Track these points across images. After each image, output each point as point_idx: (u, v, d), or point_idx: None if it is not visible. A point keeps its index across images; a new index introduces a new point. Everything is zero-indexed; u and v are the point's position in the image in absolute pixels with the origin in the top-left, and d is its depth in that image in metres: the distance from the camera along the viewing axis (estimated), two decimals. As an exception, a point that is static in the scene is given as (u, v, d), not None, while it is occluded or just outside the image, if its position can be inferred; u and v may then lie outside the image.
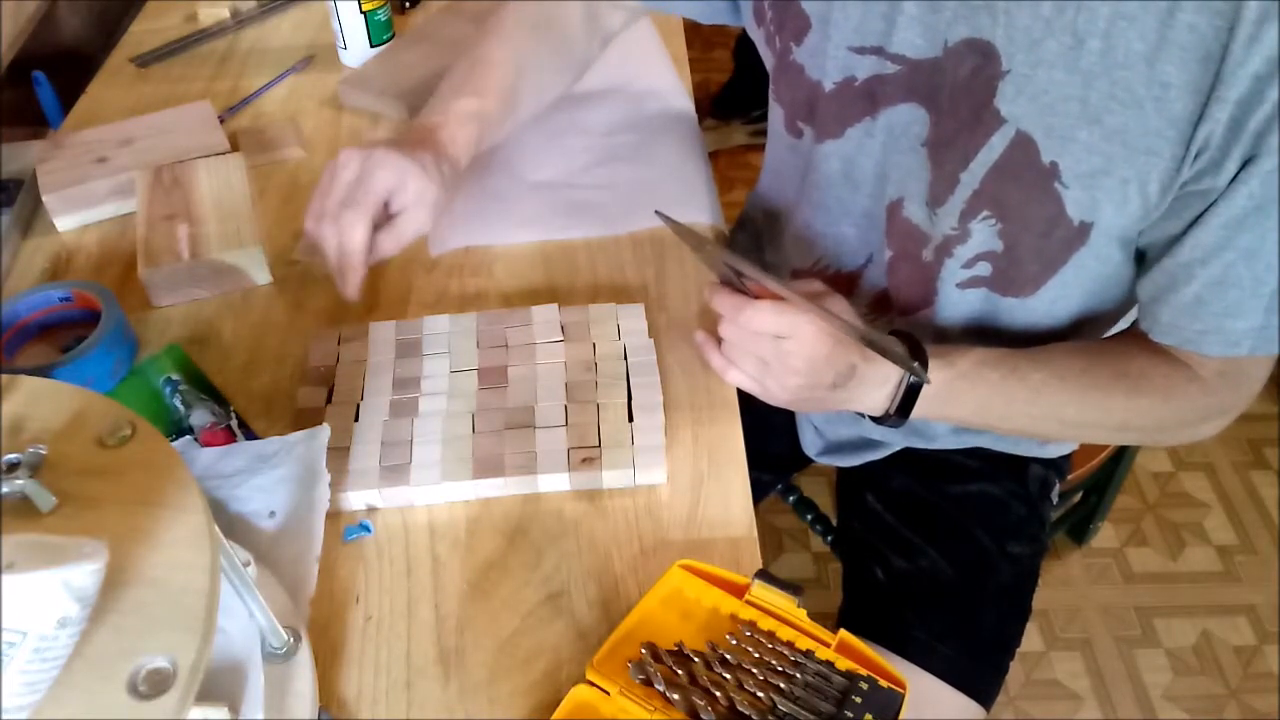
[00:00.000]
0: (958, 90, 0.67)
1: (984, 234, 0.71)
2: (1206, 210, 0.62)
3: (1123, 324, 0.80)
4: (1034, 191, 0.66)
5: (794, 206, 0.85)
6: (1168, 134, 0.60)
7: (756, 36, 0.82)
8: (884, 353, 0.63)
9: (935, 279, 0.76)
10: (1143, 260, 0.70)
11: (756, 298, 0.64)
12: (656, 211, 0.72)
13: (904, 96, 0.70)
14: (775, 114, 0.83)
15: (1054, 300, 0.74)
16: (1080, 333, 0.77)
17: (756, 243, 0.97)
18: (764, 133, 2.07)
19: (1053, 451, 0.93)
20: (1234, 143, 0.59)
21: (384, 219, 0.74)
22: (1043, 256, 0.70)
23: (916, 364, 0.67)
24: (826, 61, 0.72)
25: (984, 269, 0.74)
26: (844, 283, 0.84)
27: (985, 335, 0.77)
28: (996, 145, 0.66)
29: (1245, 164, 0.59)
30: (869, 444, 0.92)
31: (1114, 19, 0.59)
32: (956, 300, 0.77)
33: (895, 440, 0.90)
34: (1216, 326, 0.66)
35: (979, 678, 0.85)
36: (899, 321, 0.81)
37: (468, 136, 0.80)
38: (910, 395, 0.70)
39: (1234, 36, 0.56)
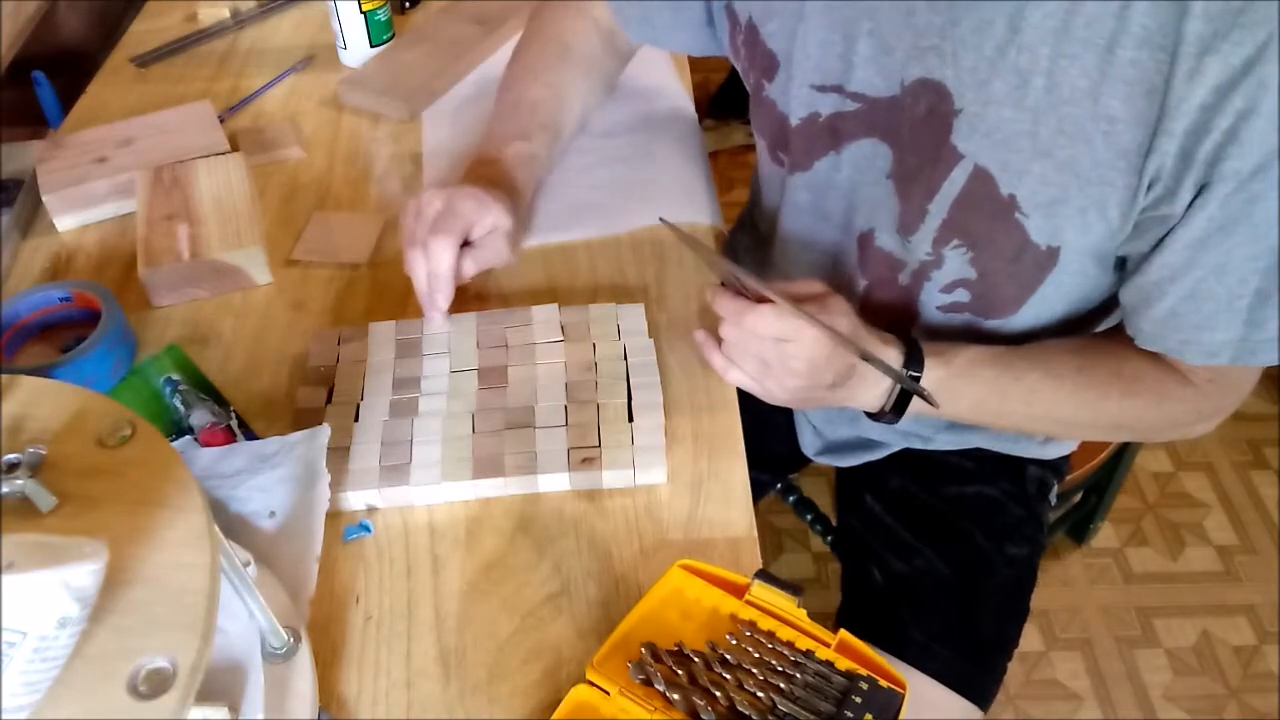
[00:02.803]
0: (917, 127, 0.68)
1: (957, 261, 0.72)
2: (1168, 234, 0.63)
3: (1118, 315, 0.80)
4: (997, 222, 0.67)
5: (774, 231, 0.86)
6: (1119, 165, 0.61)
7: (738, 68, 0.83)
8: (879, 367, 0.64)
9: (915, 302, 0.77)
10: (1124, 265, 0.70)
11: (757, 300, 0.65)
12: (660, 218, 0.73)
13: (865, 132, 0.71)
14: (760, 143, 0.84)
15: (1036, 315, 0.75)
16: (1069, 332, 0.77)
17: (754, 242, 0.98)
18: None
19: (1050, 453, 0.93)
20: (1186, 172, 0.59)
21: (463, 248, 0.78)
22: (1017, 280, 0.71)
23: (922, 388, 0.67)
24: (791, 99, 0.74)
25: (963, 295, 0.74)
26: None
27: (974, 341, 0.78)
28: (958, 179, 0.67)
29: (1200, 190, 0.59)
30: (867, 444, 0.92)
31: (1055, 58, 0.60)
32: (939, 322, 0.77)
33: (894, 440, 0.90)
34: (1194, 339, 0.66)
35: (976, 679, 0.85)
36: None
37: (526, 177, 0.85)
38: (906, 393, 0.70)
39: (1175, 70, 0.56)
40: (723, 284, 0.68)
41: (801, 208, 0.80)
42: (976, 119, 0.64)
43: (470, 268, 0.78)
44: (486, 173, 0.83)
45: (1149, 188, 0.61)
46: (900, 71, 0.67)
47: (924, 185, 0.69)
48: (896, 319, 0.79)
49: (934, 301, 0.76)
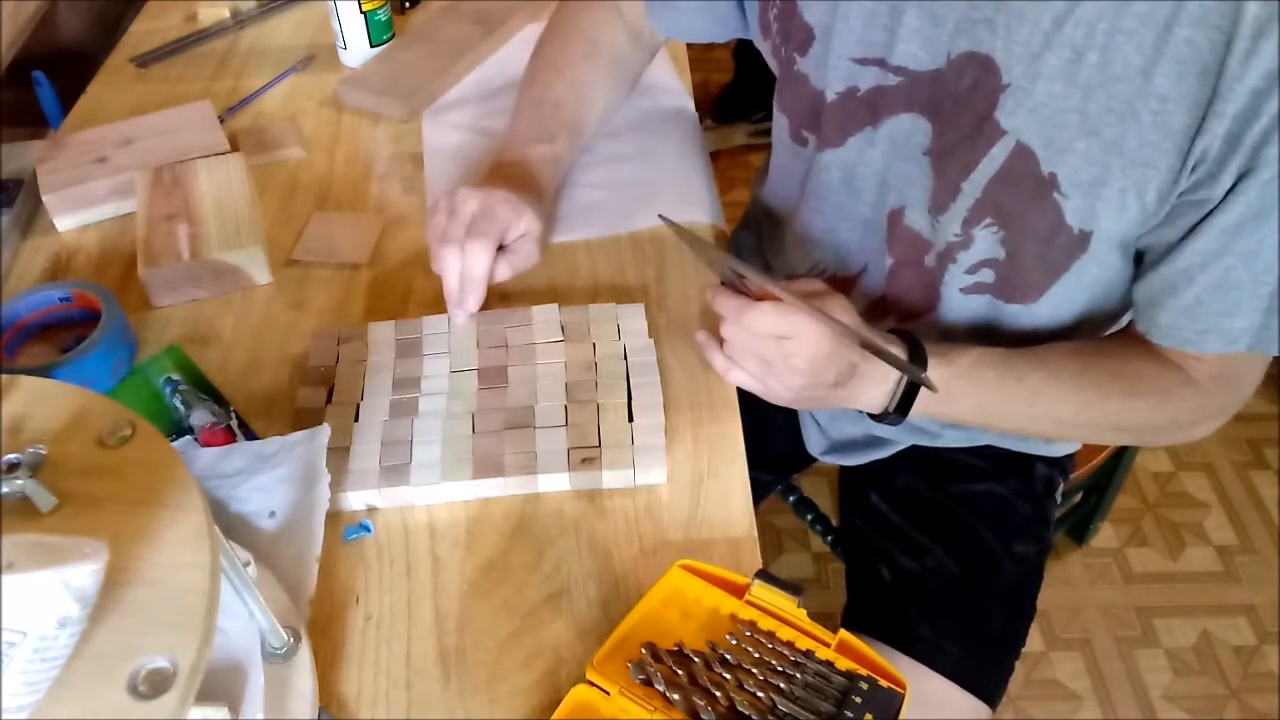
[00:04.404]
0: (959, 102, 0.67)
1: (987, 241, 0.71)
2: (1204, 219, 0.63)
3: (1122, 323, 0.80)
4: (1034, 201, 0.67)
5: (794, 211, 0.85)
6: (1164, 147, 0.61)
7: (763, 48, 0.83)
8: (883, 356, 0.64)
9: (938, 284, 0.76)
10: (1140, 261, 0.70)
11: (758, 299, 0.65)
12: (660, 215, 0.73)
13: (905, 107, 0.71)
14: (780, 122, 0.83)
15: (1057, 305, 0.74)
16: (1081, 334, 0.77)
17: (758, 242, 0.98)
18: (765, 133, 2.08)
19: (1057, 450, 0.93)
20: (1231, 156, 0.59)
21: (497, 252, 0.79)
22: (1045, 264, 0.71)
23: (924, 375, 0.67)
24: (829, 72, 0.73)
25: (987, 276, 0.74)
26: (840, 287, 0.84)
27: (988, 339, 0.77)
28: (997, 156, 0.67)
29: (1242, 176, 0.60)
30: (874, 442, 0.91)
31: (1112, 34, 0.60)
32: (959, 306, 0.77)
33: (901, 438, 0.90)
34: (1215, 326, 0.66)
35: (985, 677, 0.85)
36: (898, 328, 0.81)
37: (550, 179, 0.86)
38: (909, 393, 0.70)
39: (1231, 51, 0.57)
40: (723, 283, 0.68)
41: (830, 187, 0.79)
42: (1024, 94, 0.64)
43: (505, 272, 0.79)
44: (513, 174, 0.83)
45: (1192, 170, 0.61)
46: (947, 44, 0.66)
47: (961, 161, 0.69)
48: (917, 301, 0.79)
49: (957, 284, 0.75)
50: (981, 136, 0.67)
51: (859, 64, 0.71)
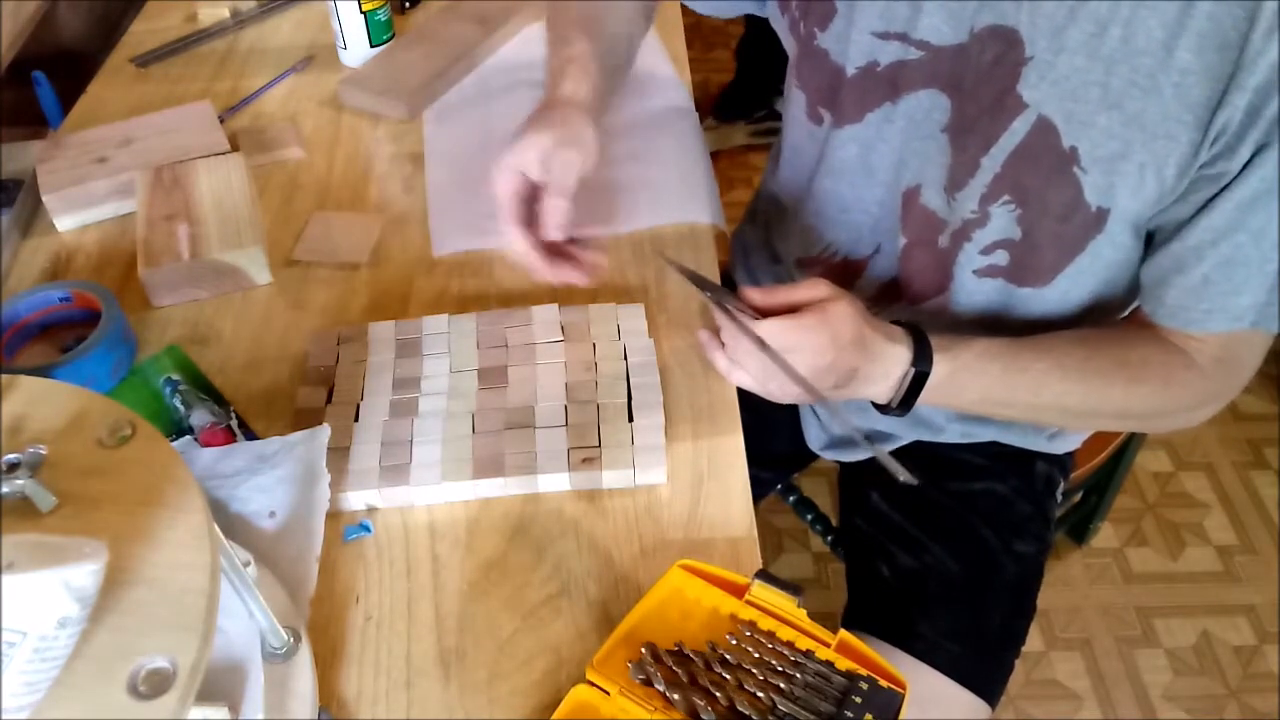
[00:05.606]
0: (981, 76, 0.68)
1: (1003, 219, 0.72)
2: (1218, 194, 0.63)
3: (1127, 312, 0.81)
4: (1054, 176, 0.67)
5: (806, 194, 0.85)
6: (1185, 119, 0.62)
7: (780, 25, 0.82)
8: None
9: (952, 264, 0.76)
10: (1148, 243, 0.71)
11: (761, 312, 0.65)
12: (666, 258, 0.72)
13: (926, 83, 0.71)
14: (796, 101, 0.83)
15: (1068, 290, 0.75)
16: (1088, 322, 0.78)
17: (765, 234, 0.97)
18: (765, 133, 2.08)
19: (1058, 448, 0.93)
20: (1250, 129, 0.60)
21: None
22: (1060, 243, 0.71)
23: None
24: (850, 46, 0.73)
25: (1001, 258, 0.74)
26: (850, 270, 0.84)
27: (998, 325, 0.78)
28: (1018, 130, 0.67)
29: (1259, 150, 0.61)
30: (876, 438, 0.91)
31: (1136, 7, 0.61)
32: (972, 288, 0.77)
33: (903, 433, 0.90)
34: (1221, 305, 0.67)
35: (985, 675, 0.85)
36: (908, 311, 0.81)
37: (583, 99, 0.80)
38: (914, 388, 0.70)
39: (1254, 26, 0.58)
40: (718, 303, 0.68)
41: (846, 164, 0.79)
42: (1047, 67, 0.64)
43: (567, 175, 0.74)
44: (554, 118, 0.78)
45: (1212, 143, 0.62)
46: (971, 18, 0.67)
47: (981, 136, 0.69)
48: (929, 283, 0.79)
49: (971, 264, 0.76)
50: (1003, 111, 0.67)
51: (880, 38, 0.71)
